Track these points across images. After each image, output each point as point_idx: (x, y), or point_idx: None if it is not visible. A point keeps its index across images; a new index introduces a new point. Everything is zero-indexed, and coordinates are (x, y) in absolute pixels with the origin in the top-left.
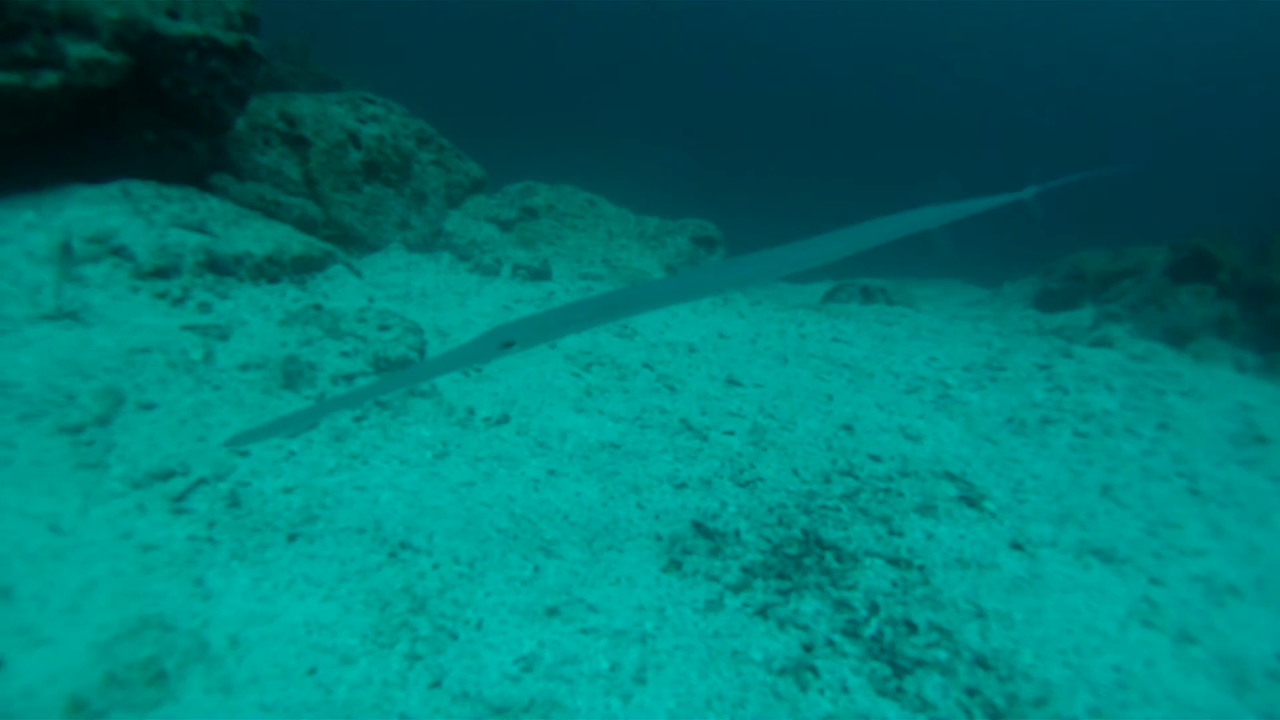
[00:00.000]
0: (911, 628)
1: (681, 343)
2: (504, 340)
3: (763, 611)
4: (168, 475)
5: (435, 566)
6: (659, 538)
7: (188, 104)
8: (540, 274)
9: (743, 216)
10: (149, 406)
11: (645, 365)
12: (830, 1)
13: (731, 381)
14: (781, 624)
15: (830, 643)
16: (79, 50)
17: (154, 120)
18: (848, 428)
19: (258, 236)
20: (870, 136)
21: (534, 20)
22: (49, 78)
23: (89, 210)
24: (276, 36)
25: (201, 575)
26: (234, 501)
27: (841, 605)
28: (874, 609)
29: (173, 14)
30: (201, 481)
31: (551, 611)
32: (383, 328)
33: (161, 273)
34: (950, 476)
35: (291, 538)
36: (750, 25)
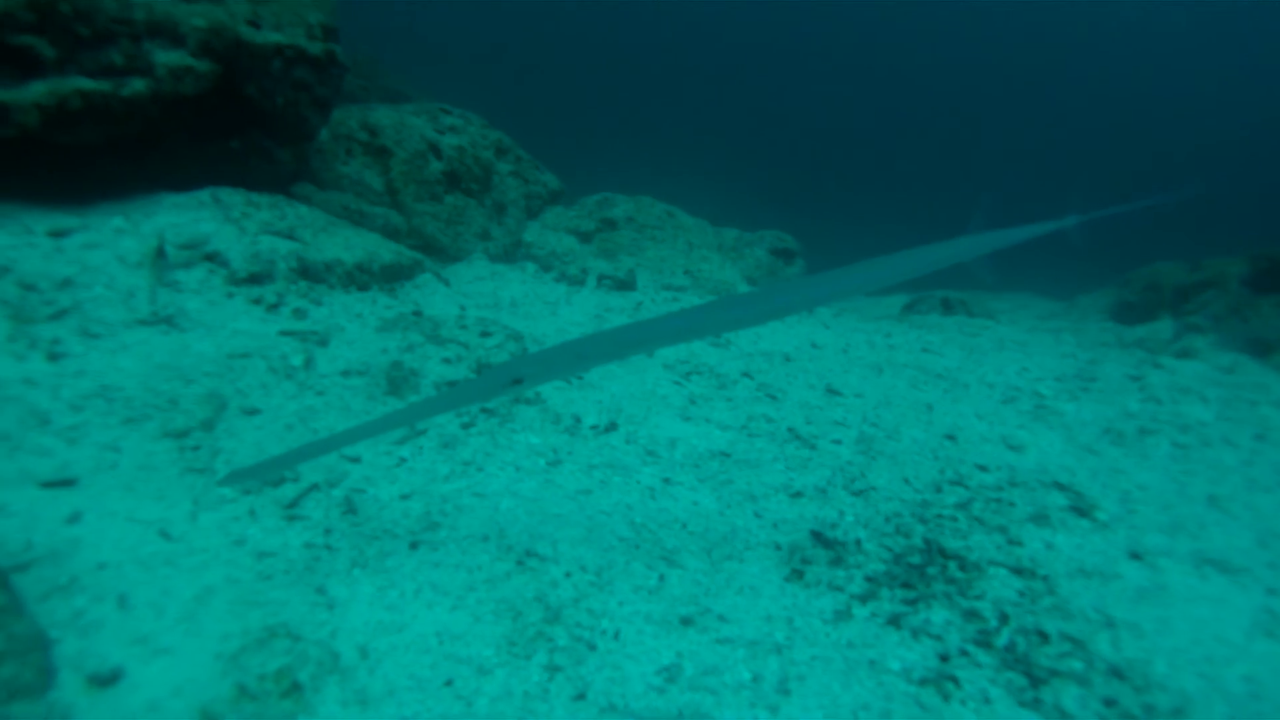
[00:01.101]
0: (1044, 637)
1: (776, 352)
2: (513, 377)
3: (894, 621)
4: (278, 481)
5: (568, 575)
6: (778, 547)
7: (273, 113)
8: (625, 284)
9: (820, 227)
10: (253, 412)
11: (744, 374)
12: (911, 13)
13: (831, 391)
14: (915, 634)
15: (964, 653)
16: (167, 58)
17: (240, 129)
18: (951, 437)
19: (347, 244)
20: (946, 146)
21: (600, 30)
22: (137, 85)
23: (180, 217)
24: (346, 51)
25: (322, 584)
26: (350, 508)
27: (971, 615)
28: (1004, 619)
29: (253, 24)
30: (314, 488)
31: (686, 621)
32: (484, 334)
33: (255, 279)
34: (1059, 486)
35: (414, 545)
36: (824, 36)
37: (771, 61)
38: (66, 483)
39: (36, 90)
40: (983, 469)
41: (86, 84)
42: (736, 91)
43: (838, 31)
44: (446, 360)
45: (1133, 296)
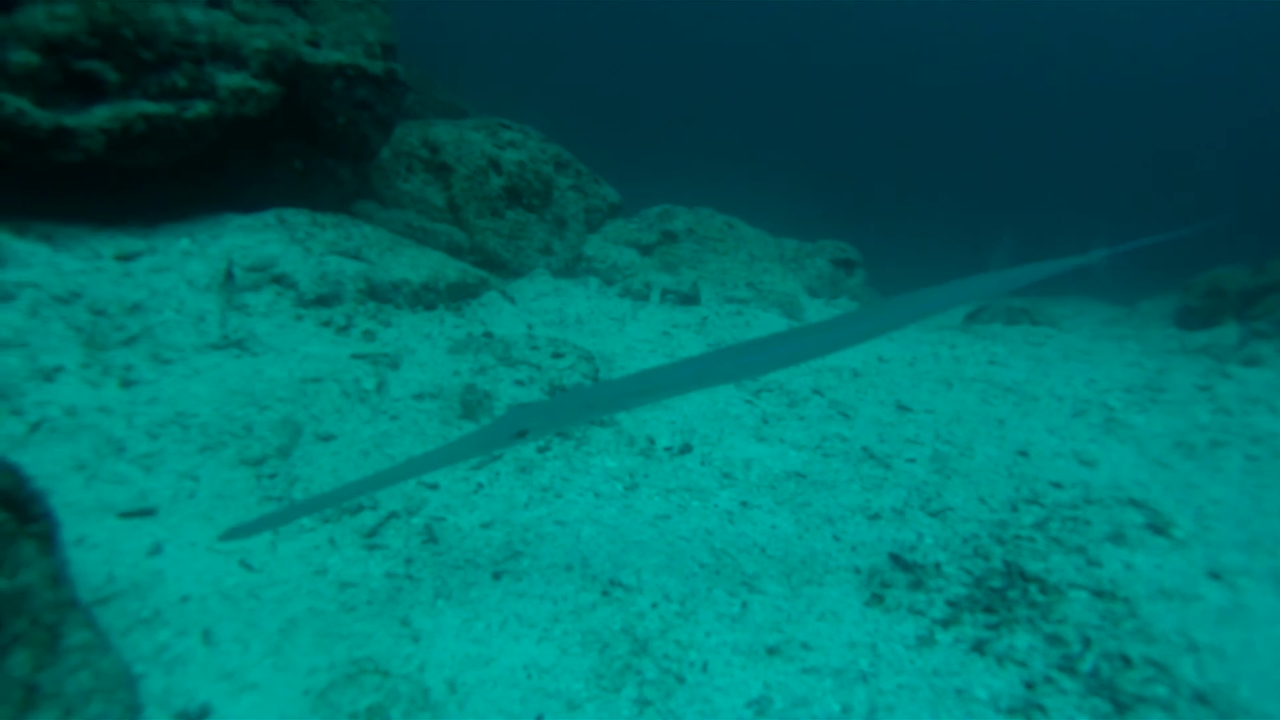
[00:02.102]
0: (1127, 662)
1: (844, 367)
2: (518, 429)
3: (978, 647)
4: (357, 509)
5: (654, 606)
6: (857, 570)
7: (335, 132)
8: (689, 298)
9: (879, 235)
10: (328, 438)
11: (815, 391)
12: (969, 24)
13: (902, 407)
14: (1000, 660)
15: (1049, 679)
16: (229, 80)
17: (301, 149)
18: (1023, 453)
19: (413, 263)
20: (1004, 154)
21: (653, 40)
22: (200, 107)
23: (247, 238)
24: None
25: (406, 615)
26: (430, 537)
27: (1054, 640)
28: (1087, 643)
29: (313, 44)
30: (393, 516)
31: (772, 651)
32: (556, 355)
33: (324, 300)
34: (1134, 503)
35: (497, 575)
36: (882, 47)
37: (827, 70)
38: (145, 512)
39: (101, 114)
40: (1057, 486)
41: (150, 107)
42: (793, 100)
43: (896, 42)
44: (519, 382)
45: (1195, 302)
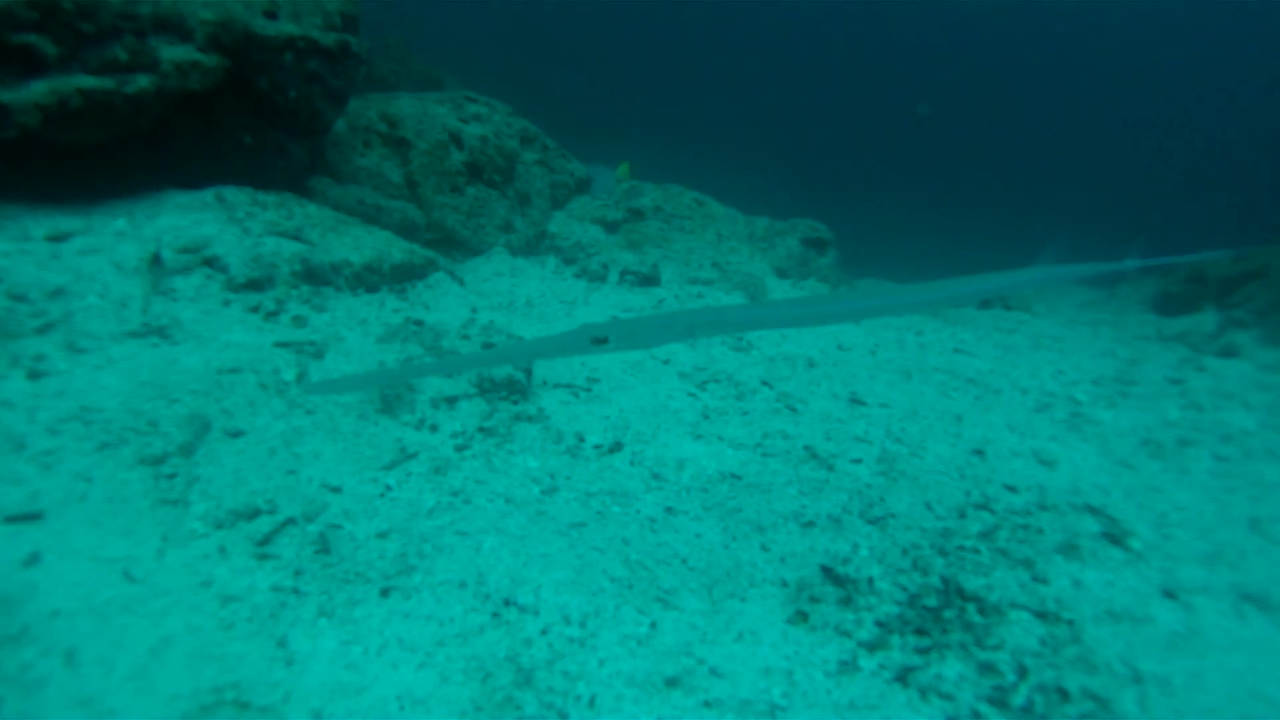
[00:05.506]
0: (1064, 695)
1: (800, 356)
2: (596, 336)
3: (902, 677)
4: (253, 514)
5: (543, 632)
6: (784, 584)
7: (286, 106)
8: (649, 279)
9: (855, 214)
10: (236, 434)
11: (764, 383)
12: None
13: (855, 400)
14: (924, 693)
15: (976, 714)
16: (173, 53)
17: (251, 123)
18: (979, 452)
19: (356, 244)
20: (983, 136)
21: (627, 14)
22: (141, 82)
23: (183, 218)
24: (378, 35)
25: (285, 634)
26: (323, 546)
27: (987, 669)
28: (1022, 673)
29: (270, 15)
30: (289, 522)
31: (671, 682)
32: (487, 346)
33: (255, 284)
34: (1091, 510)
35: (385, 592)
36: (858, 21)
37: (805, 45)
38: (32, 516)
39: (37, 90)
40: (1011, 489)
41: (89, 82)
42: (769, 75)
43: (873, 16)
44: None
45: (1175, 287)
